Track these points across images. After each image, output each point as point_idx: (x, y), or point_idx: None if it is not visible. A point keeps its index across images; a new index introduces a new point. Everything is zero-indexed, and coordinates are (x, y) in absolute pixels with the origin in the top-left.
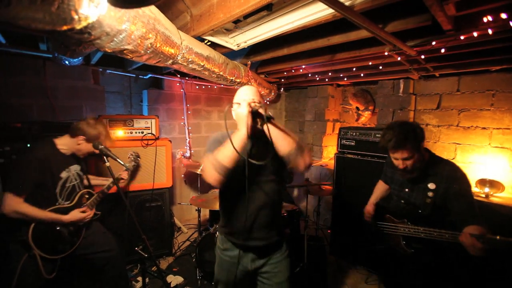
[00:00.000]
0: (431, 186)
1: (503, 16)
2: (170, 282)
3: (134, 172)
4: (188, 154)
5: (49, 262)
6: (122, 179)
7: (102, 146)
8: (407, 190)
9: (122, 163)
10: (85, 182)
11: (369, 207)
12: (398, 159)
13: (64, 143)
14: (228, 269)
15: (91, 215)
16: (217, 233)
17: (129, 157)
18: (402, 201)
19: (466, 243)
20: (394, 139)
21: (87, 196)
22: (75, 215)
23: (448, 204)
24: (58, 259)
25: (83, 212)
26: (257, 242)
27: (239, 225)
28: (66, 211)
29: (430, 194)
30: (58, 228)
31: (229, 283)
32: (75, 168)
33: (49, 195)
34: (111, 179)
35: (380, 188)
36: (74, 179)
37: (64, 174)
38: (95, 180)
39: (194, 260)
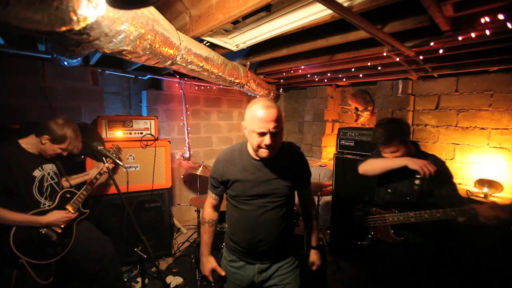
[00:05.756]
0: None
1: (501, 17)
2: (170, 283)
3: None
4: (187, 155)
5: (43, 268)
6: (105, 172)
7: (102, 147)
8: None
9: (121, 164)
10: (65, 182)
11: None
12: (387, 153)
13: (29, 142)
14: (234, 282)
15: (73, 216)
16: (224, 244)
17: (109, 149)
18: (390, 190)
19: (484, 214)
20: (383, 137)
21: (68, 196)
22: (54, 216)
23: (435, 190)
24: (53, 263)
25: (64, 211)
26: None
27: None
28: (47, 213)
29: (417, 181)
30: (42, 231)
31: None
32: (50, 167)
33: (27, 198)
34: (90, 173)
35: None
36: (51, 178)
37: (37, 173)
38: (74, 180)
39: (193, 261)
